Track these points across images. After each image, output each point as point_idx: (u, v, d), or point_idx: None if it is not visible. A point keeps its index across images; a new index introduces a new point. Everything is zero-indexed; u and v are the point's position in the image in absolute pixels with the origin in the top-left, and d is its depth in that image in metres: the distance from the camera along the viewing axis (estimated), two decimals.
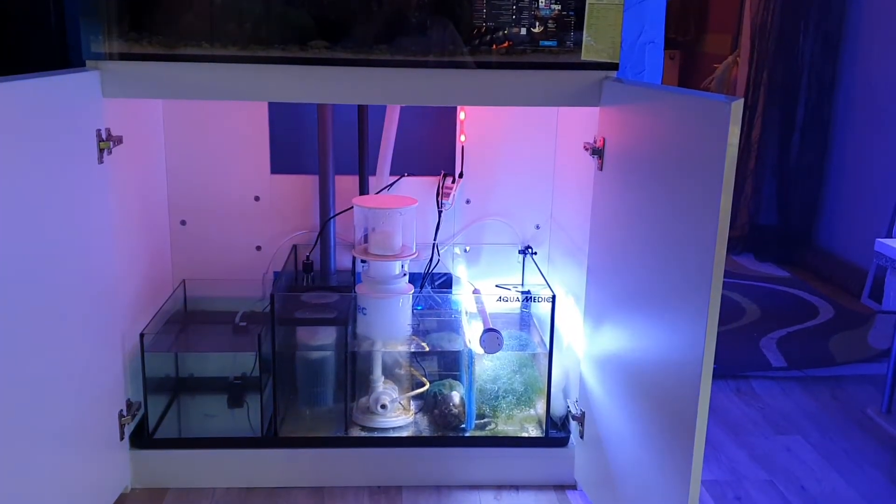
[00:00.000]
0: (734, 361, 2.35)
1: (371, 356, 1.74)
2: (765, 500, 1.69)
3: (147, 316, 1.71)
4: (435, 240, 1.91)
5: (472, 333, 1.72)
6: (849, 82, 3.32)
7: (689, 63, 4.53)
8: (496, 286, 1.94)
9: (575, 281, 1.68)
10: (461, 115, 1.88)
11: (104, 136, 1.44)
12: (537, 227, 1.96)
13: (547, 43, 1.48)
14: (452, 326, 1.84)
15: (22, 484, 1.22)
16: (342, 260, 1.90)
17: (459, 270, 1.97)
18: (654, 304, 1.30)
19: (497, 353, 1.71)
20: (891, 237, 2.76)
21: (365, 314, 1.72)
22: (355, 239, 1.77)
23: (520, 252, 1.96)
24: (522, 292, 1.88)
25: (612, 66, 1.48)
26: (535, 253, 1.94)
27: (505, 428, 1.73)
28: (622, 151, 1.41)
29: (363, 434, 1.71)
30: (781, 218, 3.54)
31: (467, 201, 1.94)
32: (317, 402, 1.78)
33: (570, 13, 1.47)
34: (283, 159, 1.90)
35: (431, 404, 1.76)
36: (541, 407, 1.74)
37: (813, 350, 2.48)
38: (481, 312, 1.77)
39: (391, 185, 1.89)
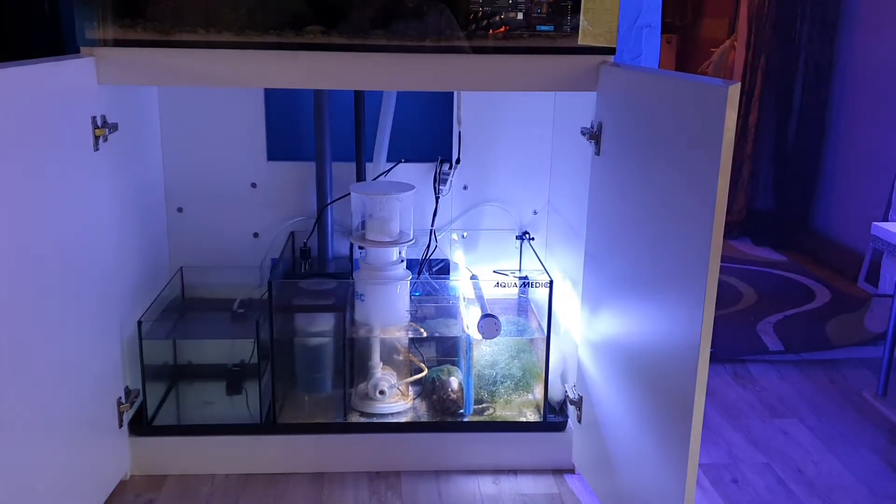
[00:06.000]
0: (731, 345, 2.35)
1: (369, 342, 1.74)
2: (762, 483, 1.70)
3: (145, 303, 1.71)
4: (432, 226, 1.91)
5: (469, 319, 1.73)
6: (846, 66, 3.31)
7: (686, 47, 4.51)
8: (494, 272, 1.94)
9: (572, 266, 1.69)
10: None
11: (100, 124, 1.44)
12: (535, 212, 1.96)
13: (544, 27, 1.47)
14: (450, 312, 1.84)
15: (22, 472, 1.22)
16: (340, 246, 1.90)
17: (457, 256, 1.97)
18: (652, 289, 1.30)
19: (495, 339, 1.71)
20: (887, 221, 2.77)
21: (363, 300, 1.72)
22: (353, 225, 1.77)
23: (517, 238, 1.96)
24: (520, 278, 1.88)
25: (609, 51, 1.48)
26: (533, 238, 1.94)
27: (503, 413, 1.73)
28: (619, 136, 1.41)
29: (362, 420, 1.71)
30: (778, 202, 3.54)
31: (465, 187, 1.94)
32: (315, 389, 1.78)
33: None
34: (280, 146, 1.89)
35: (430, 390, 1.77)
36: (539, 392, 1.74)
37: (810, 333, 2.49)
38: (479, 298, 1.78)
39: (388, 171, 1.88)
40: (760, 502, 1.64)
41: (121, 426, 1.59)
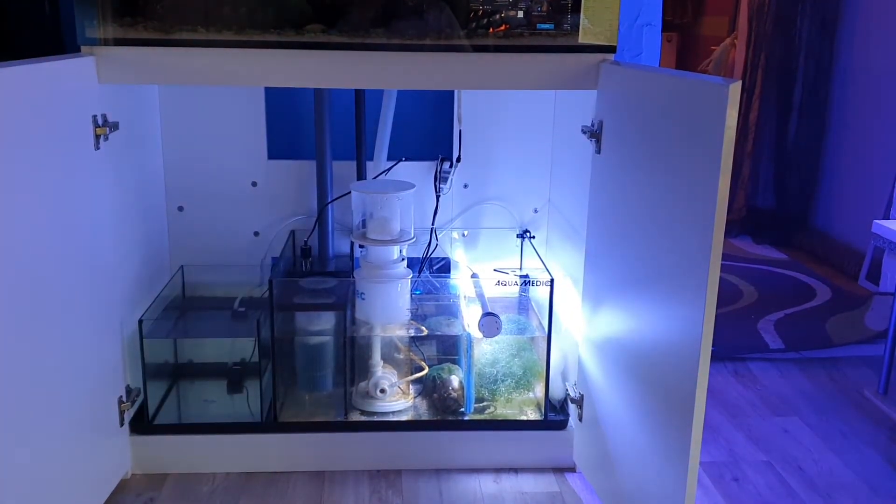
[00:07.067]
0: (732, 343, 2.36)
1: (370, 341, 1.74)
2: (762, 481, 1.70)
3: (145, 302, 1.71)
4: (433, 224, 1.91)
5: (470, 317, 1.73)
6: (846, 64, 3.31)
7: (686, 45, 4.52)
8: (494, 270, 1.94)
9: (573, 264, 1.69)
10: None
11: (100, 123, 1.44)
12: (535, 210, 1.96)
13: (544, 26, 1.47)
14: (451, 311, 1.84)
15: (23, 471, 1.22)
16: (340, 245, 1.90)
17: (458, 255, 1.97)
18: (653, 287, 1.30)
19: (496, 337, 1.71)
20: (888, 219, 2.77)
21: (363, 299, 1.72)
22: (353, 224, 1.77)
23: (518, 236, 1.96)
24: (521, 276, 1.88)
25: (610, 49, 1.48)
26: (534, 237, 1.94)
27: (504, 411, 1.73)
28: (620, 134, 1.41)
29: (363, 418, 1.71)
30: (779, 200, 3.54)
31: (465, 185, 1.94)
32: (316, 387, 1.78)
33: None
34: (281, 144, 1.89)
35: (430, 388, 1.77)
36: (539, 390, 1.74)
37: (810, 332, 2.49)
38: (480, 296, 1.78)
39: (389, 169, 1.88)
40: (761, 500, 1.64)
41: (122, 425, 1.59)
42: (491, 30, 1.46)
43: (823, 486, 1.69)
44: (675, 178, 1.22)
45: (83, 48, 1.42)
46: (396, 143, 1.86)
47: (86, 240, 1.42)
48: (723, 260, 1.12)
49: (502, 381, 1.77)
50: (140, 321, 1.62)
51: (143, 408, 1.68)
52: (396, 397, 1.75)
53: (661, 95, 1.27)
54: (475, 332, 1.68)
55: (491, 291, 1.82)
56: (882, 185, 2.99)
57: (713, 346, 1.14)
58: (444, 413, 1.73)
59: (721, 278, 1.12)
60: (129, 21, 1.42)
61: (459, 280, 1.90)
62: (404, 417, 1.72)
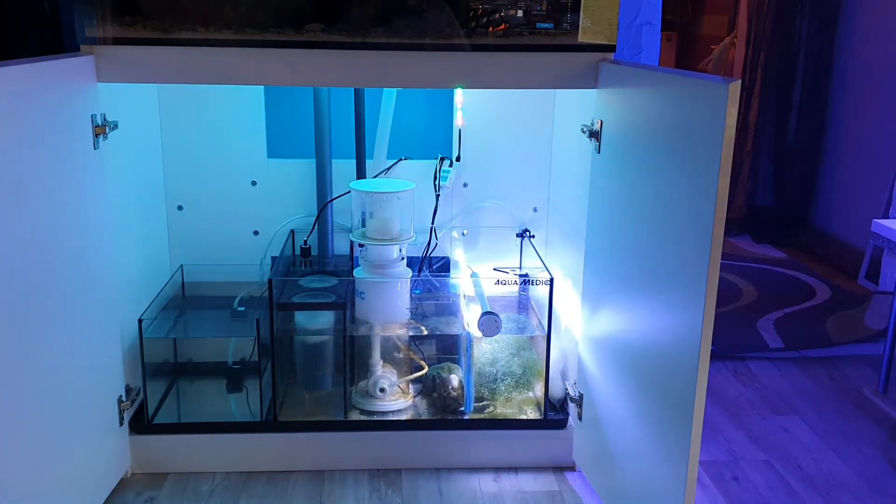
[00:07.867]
0: (732, 343, 2.36)
1: (370, 340, 1.74)
2: (762, 480, 1.70)
3: (145, 301, 1.71)
4: (433, 223, 1.91)
5: (470, 317, 1.73)
6: (846, 63, 3.31)
7: (686, 44, 4.52)
8: (494, 269, 1.94)
9: (573, 263, 1.69)
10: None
11: (99, 122, 1.44)
12: (535, 210, 1.96)
13: (543, 25, 1.47)
14: (451, 310, 1.84)
15: (23, 470, 1.22)
16: (340, 244, 1.90)
17: (457, 254, 1.97)
18: (652, 286, 1.30)
19: (495, 336, 1.71)
20: (888, 218, 2.77)
21: (363, 298, 1.72)
22: (353, 223, 1.77)
23: (517, 235, 1.96)
24: (520, 275, 1.88)
25: (610, 48, 1.48)
26: (533, 236, 1.94)
27: (503, 410, 1.74)
28: (620, 134, 1.41)
29: (362, 418, 1.71)
30: (779, 199, 3.55)
31: (465, 185, 1.94)
32: (316, 387, 1.78)
33: None
34: (280, 143, 1.89)
35: (430, 388, 1.77)
36: (539, 389, 1.74)
37: (810, 331, 2.49)
38: (479, 296, 1.78)
39: (389, 168, 1.88)
40: (761, 499, 1.64)
41: (121, 424, 1.59)
42: (491, 29, 1.46)
43: (823, 484, 1.70)
44: (674, 178, 1.22)
45: (82, 47, 1.42)
46: (396, 142, 1.86)
47: (85, 239, 1.42)
48: (722, 259, 1.12)
49: (502, 380, 1.77)
50: (140, 320, 1.62)
51: (142, 407, 1.68)
52: (396, 396, 1.75)
53: (660, 95, 1.27)
54: (475, 332, 1.68)
55: (491, 291, 1.82)
56: (881, 184, 2.99)
57: (713, 345, 1.14)
58: (444, 412, 1.73)
59: (721, 277, 1.12)
60: (129, 20, 1.42)
61: (459, 279, 1.90)
62: (404, 417, 1.72)
